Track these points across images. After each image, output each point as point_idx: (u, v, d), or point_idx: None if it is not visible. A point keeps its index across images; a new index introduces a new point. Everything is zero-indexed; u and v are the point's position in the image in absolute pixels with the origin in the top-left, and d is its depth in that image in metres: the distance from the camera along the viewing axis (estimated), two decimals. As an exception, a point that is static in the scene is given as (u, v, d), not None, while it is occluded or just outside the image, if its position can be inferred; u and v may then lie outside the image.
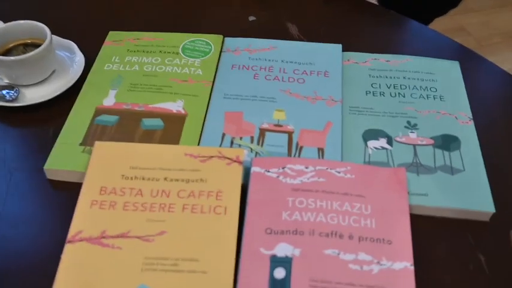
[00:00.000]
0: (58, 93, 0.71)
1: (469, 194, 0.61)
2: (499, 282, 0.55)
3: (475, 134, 0.68)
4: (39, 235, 0.59)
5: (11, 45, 0.74)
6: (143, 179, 0.59)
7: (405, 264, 0.53)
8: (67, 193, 0.61)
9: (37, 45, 0.73)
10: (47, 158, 0.64)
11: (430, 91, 0.73)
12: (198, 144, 0.65)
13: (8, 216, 0.60)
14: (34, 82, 0.73)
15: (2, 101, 0.70)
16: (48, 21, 0.74)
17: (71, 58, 0.76)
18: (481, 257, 0.57)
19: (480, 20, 2.32)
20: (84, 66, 0.74)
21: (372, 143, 0.67)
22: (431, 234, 0.59)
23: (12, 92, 0.71)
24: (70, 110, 0.70)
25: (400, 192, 0.58)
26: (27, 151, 0.67)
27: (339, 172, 0.60)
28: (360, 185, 0.59)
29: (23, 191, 0.63)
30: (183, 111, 0.69)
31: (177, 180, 0.59)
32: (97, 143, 0.63)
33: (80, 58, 0.75)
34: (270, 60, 0.76)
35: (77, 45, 0.77)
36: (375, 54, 0.78)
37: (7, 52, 0.73)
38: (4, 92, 0.71)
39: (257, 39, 0.80)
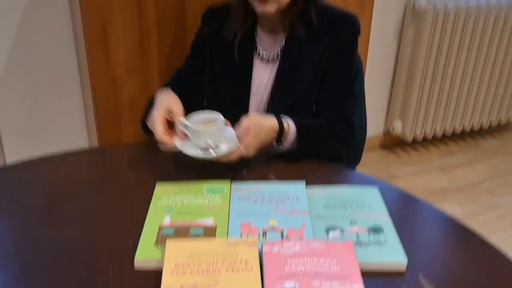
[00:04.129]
0: (132, 219, 1.12)
1: (391, 254, 1.04)
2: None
3: (391, 224, 1.13)
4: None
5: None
6: (200, 257, 0.99)
7: (360, 286, 0.93)
8: (151, 275, 1.00)
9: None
10: (132, 260, 1.03)
11: (362, 203, 1.19)
12: (227, 240, 1.07)
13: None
14: (115, 215, 1.14)
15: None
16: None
17: (135, 200, 1.19)
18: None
19: (405, 184, 2.92)
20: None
21: (331, 233, 1.10)
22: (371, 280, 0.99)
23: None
24: (139, 232, 1.10)
25: (350, 253, 1.01)
26: (117, 257, 1.06)
27: (315, 245, 1.02)
28: (328, 250, 1.01)
29: (126, 280, 1.00)
30: (214, 225, 1.11)
31: (221, 256, 0.99)
32: (168, 241, 1.03)
33: (141, 200, 1.18)
34: (261, 193, 1.22)
35: (136, 193, 1.21)
36: (326, 186, 1.26)
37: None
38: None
39: (251, 182, 1.26)
